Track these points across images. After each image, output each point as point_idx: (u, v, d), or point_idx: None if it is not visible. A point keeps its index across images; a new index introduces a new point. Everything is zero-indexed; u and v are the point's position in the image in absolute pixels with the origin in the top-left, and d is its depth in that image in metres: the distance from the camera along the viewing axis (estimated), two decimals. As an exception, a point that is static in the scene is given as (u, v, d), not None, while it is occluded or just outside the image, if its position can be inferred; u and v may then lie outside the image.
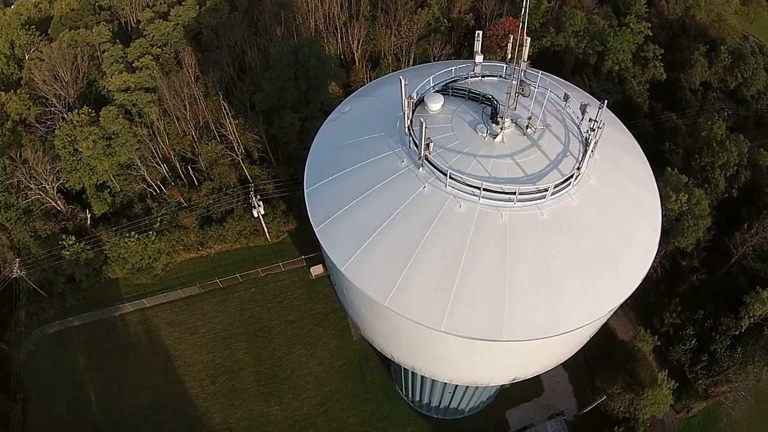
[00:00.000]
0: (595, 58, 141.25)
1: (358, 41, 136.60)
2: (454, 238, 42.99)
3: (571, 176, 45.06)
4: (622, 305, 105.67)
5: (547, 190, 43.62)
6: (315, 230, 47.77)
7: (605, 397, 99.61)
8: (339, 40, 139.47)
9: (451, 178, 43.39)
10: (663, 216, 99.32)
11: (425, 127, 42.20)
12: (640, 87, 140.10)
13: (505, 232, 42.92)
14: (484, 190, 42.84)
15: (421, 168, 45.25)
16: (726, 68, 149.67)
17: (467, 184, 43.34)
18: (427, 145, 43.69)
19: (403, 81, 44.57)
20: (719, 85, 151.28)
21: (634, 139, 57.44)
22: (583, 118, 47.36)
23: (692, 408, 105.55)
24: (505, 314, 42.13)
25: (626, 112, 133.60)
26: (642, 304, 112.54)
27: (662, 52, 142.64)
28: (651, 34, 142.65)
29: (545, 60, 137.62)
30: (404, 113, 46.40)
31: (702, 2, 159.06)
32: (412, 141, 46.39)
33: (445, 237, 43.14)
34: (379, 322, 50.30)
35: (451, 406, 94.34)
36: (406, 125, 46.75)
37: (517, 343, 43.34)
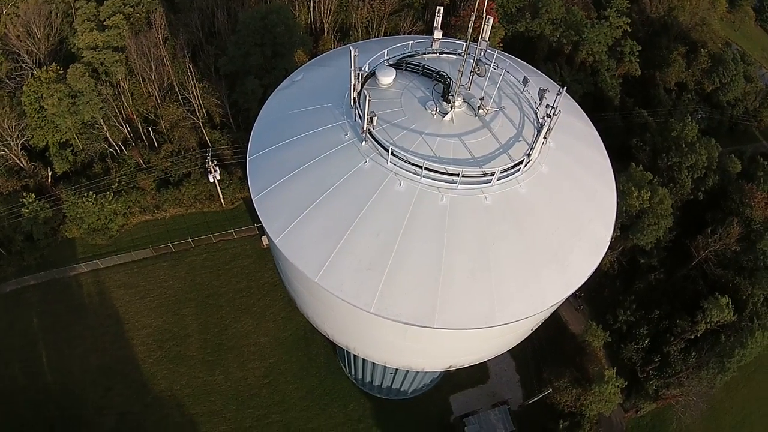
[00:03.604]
0: (569, 48, 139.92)
1: (329, 11, 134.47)
2: (391, 217, 41.54)
3: (521, 162, 43.48)
4: (575, 298, 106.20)
5: (493, 175, 42.06)
6: (253, 199, 46.27)
7: (551, 390, 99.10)
8: (311, 9, 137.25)
9: (393, 154, 41.85)
10: (623, 212, 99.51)
11: (369, 100, 40.55)
12: (612, 81, 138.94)
13: (445, 215, 41.43)
14: (426, 169, 41.33)
15: (363, 142, 43.65)
16: (704, 71, 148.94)
17: (409, 162, 41.82)
18: (371, 119, 42.14)
19: (352, 52, 42.76)
20: (695, 87, 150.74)
21: (596, 130, 55.74)
22: (540, 104, 45.41)
23: (641, 408, 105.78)
24: (439, 300, 40.81)
25: (596, 105, 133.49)
26: (596, 299, 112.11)
27: (640, 48, 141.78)
28: (630, 30, 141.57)
29: (518, 45, 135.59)
30: (351, 84, 44.77)
31: (686, 4, 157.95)
32: (357, 114, 44.72)
33: (381, 215, 41.68)
34: (312, 298, 48.90)
35: (393, 387, 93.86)
36: (352, 97, 45.18)
37: (451, 331, 42.05)
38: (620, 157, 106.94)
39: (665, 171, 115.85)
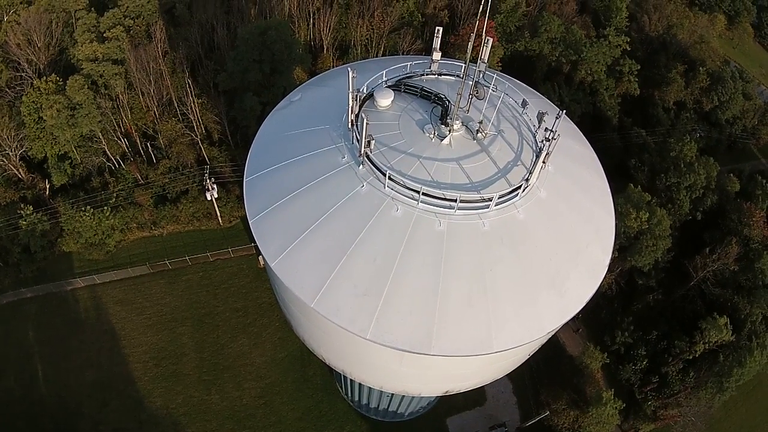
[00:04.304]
0: (568, 67, 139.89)
1: (329, 28, 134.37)
2: (388, 243, 41.11)
3: (519, 187, 43.17)
4: (573, 320, 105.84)
5: (491, 200, 41.68)
6: (249, 222, 46.05)
7: (549, 412, 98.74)
8: (311, 26, 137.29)
9: (390, 179, 41.41)
10: (621, 233, 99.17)
11: (366, 123, 40.38)
12: (611, 100, 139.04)
13: (442, 241, 41.02)
14: (424, 194, 40.92)
15: (361, 166, 43.32)
16: (703, 90, 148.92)
17: (406, 187, 41.41)
18: (368, 142, 41.82)
19: (350, 73, 42.46)
20: (694, 105, 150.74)
21: (594, 152, 55.41)
22: (539, 127, 45.26)
23: (639, 429, 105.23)
24: (436, 327, 40.38)
25: (595, 124, 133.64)
26: (594, 320, 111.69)
27: (639, 67, 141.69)
28: (629, 48, 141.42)
29: (517, 64, 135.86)
30: (349, 107, 44.47)
31: (685, 22, 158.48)
32: (355, 137, 44.38)
33: (378, 241, 41.27)
34: (308, 322, 48.44)
35: (390, 409, 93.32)
36: (350, 119, 44.86)
37: (448, 358, 41.61)
38: (618, 176, 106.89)
39: (663, 191, 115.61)
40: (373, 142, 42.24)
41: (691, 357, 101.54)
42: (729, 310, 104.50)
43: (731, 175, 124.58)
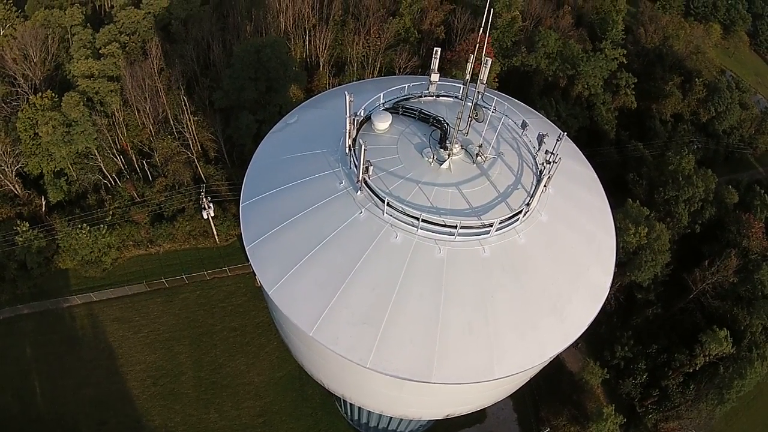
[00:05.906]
0: (565, 82, 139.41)
1: (325, 45, 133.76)
2: (387, 271, 40.62)
3: (520, 212, 42.64)
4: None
5: (491, 226, 41.20)
6: (246, 249, 45.43)
7: (549, 428, 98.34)
8: (306, 43, 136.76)
9: (389, 205, 40.91)
10: (620, 248, 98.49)
11: (365, 149, 39.79)
12: (608, 114, 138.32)
13: (442, 268, 40.56)
14: (423, 221, 40.44)
15: (359, 192, 42.81)
16: (699, 101, 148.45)
17: (405, 213, 40.95)
18: (367, 168, 41.24)
19: (347, 97, 41.72)
20: (690, 117, 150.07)
21: (594, 172, 55.03)
22: (539, 149, 44.82)
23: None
24: (437, 355, 39.95)
25: (592, 139, 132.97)
26: (593, 336, 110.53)
27: (635, 80, 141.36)
28: (625, 61, 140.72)
29: (514, 79, 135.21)
30: (347, 131, 43.87)
31: (681, 33, 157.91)
32: (353, 162, 43.85)
33: (377, 268, 40.78)
34: (307, 349, 47.96)
35: (389, 428, 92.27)
36: (348, 144, 44.32)
37: (449, 385, 41.15)
38: (616, 190, 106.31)
39: (662, 205, 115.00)
40: (371, 168, 41.75)
41: (691, 370, 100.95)
42: (729, 321, 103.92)
43: (729, 186, 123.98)
